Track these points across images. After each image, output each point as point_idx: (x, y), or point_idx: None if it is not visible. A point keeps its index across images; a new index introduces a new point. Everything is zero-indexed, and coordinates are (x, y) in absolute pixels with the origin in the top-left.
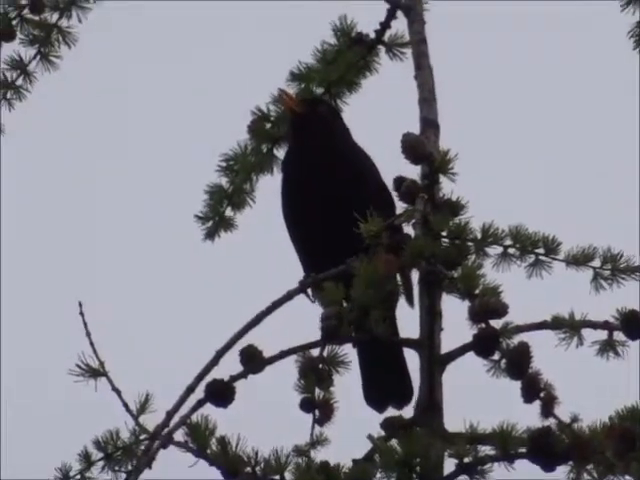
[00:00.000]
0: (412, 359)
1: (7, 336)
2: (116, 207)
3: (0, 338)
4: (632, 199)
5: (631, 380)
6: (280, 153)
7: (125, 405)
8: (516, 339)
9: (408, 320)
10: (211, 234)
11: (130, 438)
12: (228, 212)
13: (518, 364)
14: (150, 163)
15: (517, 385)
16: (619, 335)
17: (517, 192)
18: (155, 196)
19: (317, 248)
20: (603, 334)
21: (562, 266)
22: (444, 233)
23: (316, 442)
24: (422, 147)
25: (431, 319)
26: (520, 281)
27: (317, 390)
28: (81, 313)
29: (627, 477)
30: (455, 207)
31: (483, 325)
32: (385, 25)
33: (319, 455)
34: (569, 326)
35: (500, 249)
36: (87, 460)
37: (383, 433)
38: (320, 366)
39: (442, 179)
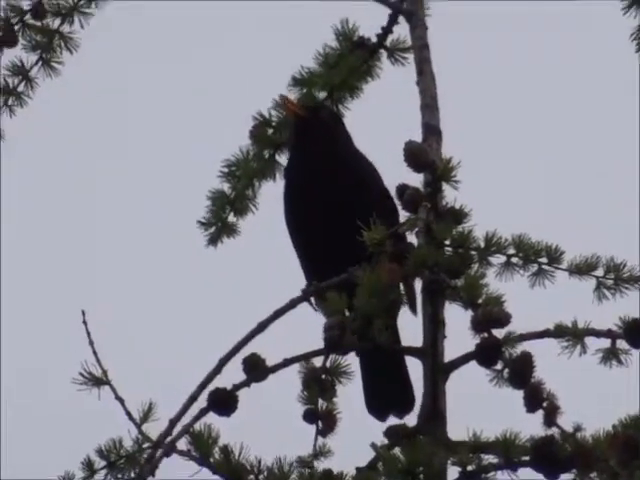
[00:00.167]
0: (415, 367)
1: (9, 338)
2: (118, 213)
3: (0, 340)
4: (635, 204)
5: (634, 388)
6: (282, 159)
7: (128, 414)
8: (519, 348)
9: (411, 328)
10: (214, 240)
11: (133, 446)
12: (231, 218)
13: (521, 374)
14: (152, 168)
15: (520, 394)
16: (622, 343)
17: (520, 199)
18: (158, 203)
19: (320, 255)
20: (606, 342)
21: (565, 275)
22: (447, 242)
23: (319, 453)
24: (424, 155)
25: (434, 327)
26: (523, 290)
27: (320, 401)
28: (84, 322)
29: None
30: (458, 215)
31: (486, 334)
32: (387, 30)
33: (322, 466)
34: (572, 334)
35: (503, 258)
36: (90, 468)
37: (386, 441)
38: (323, 377)
39: (445, 187)
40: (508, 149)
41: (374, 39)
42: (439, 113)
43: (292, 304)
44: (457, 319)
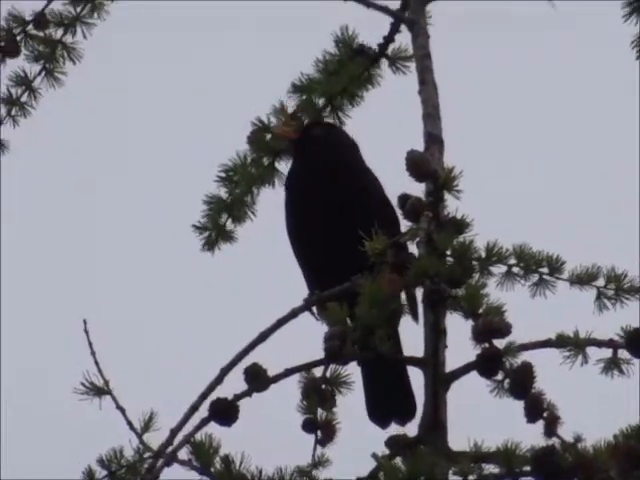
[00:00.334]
0: (416, 377)
1: (11, 340)
2: (120, 219)
3: (0, 341)
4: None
5: (636, 398)
6: (281, 166)
7: (129, 423)
8: (520, 358)
9: (412, 338)
10: (210, 245)
11: (134, 456)
12: (228, 225)
13: (521, 384)
14: (151, 171)
15: (520, 404)
16: (624, 353)
17: (521, 209)
18: (159, 208)
19: (321, 264)
20: (608, 352)
21: (566, 285)
22: (448, 252)
23: (318, 463)
24: (426, 165)
25: (435, 337)
26: (524, 300)
27: (320, 411)
28: (85, 331)
29: None
30: (459, 225)
31: (486, 345)
32: (389, 38)
33: (322, 476)
34: (574, 344)
35: (504, 268)
36: (91, 478)
37: (387, 451)
38: (323, 387)
39: (447, 197)
40: (510, 158)
41: (375, 48)
42: (441, 123)
43: (294, 313)
44: (458, 329)
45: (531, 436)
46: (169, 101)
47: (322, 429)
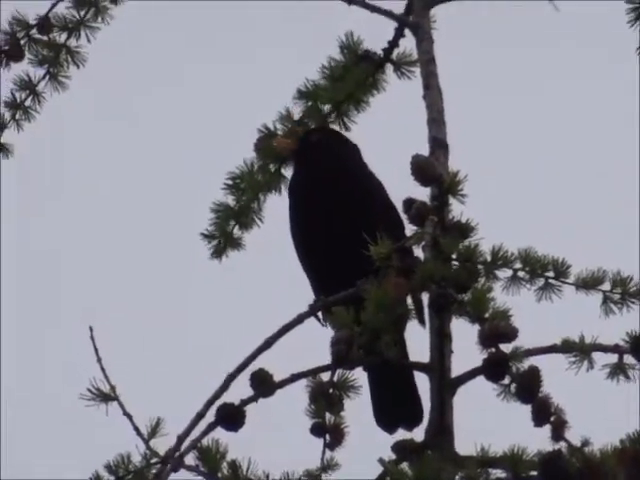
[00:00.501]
0: (423, 382)
1: (16, 346)
2: (125, 226)
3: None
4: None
5: None
6: (288, 172)
7: (136, 429)
8: (526, 363)
9: (418, 342)
10: (218, 253)
11: (141, 462)
12: (236, 231)
13: (528, 388)
14: (157, 179)
15: (527, 408)
16: (629, 358)
17: (527, 213)
18: (165, 217)
19: (326, 270)
20: (613, 357)
21: (572, 289)
22: (454, 256)
23: (327, 467)
24: (432, 169)
25: (441, 342)
26: (530, 304)
27: (328, 415)
28: (92, 338)
29: None
30: (465, 229)
31: (493, 349)
32: (393, 43)
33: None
34: (579, 350)
35: (510, 272)
36: None
37: (394, 456)
38: (330, 391)
39: (452, 201)
40: (515, 162)
41: (380, 53)
42: (446, 127)
43: (299, 319)
44: (464, 334)
45: (538, 441)
46: (174, 111)
47: (331, 433)
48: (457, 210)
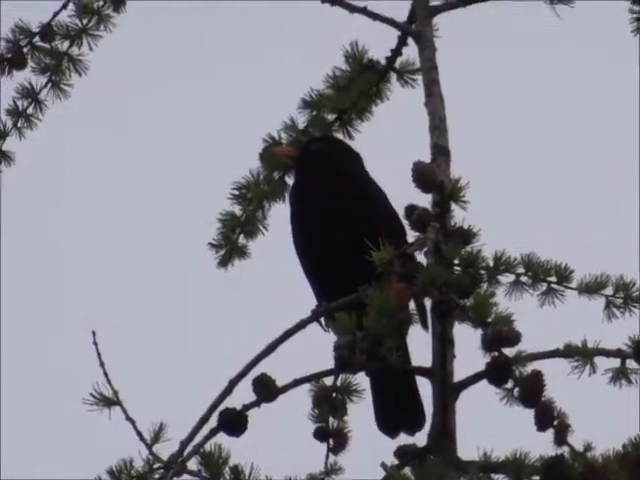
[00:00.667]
0: (425, 386)
1: (19, 350)
2: (128, 232)
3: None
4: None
5: None
6: (291, 181)
7: (139, 434)
8: (529, 367)
9: (421, 347)
10: (224, 262)
11: (144, 467)
12: (241, 240)
13: (531, 392)
14: (162, 188)
15: (530, 413)
16: (631, 363)
17: (528, 218)
18: (168, 224)
19: (328, 276)
20: (616, 362)
21: (574, 294)
22: (456, 261)
23: (330, 471)
24: (433, 176)
25: (443, 347)
26: (532, 309)
27: (331, 419)
28: (94, 342)
29: None
30: (467, 235)
31: (496, 353)
32: (396, 52)
33: None
34: (582, 354)
35: (512, 277)
36: None
37: (396, 461)
38: (334, 395)
39: (454, 207)
40: (516, 168)
41: (383, 61)
42: (447, 134)
43: (302, 324)
44: (465, 339)
45: (540, 445)
46: (179, 121)
47: (334, 437)
48: (459, 216)
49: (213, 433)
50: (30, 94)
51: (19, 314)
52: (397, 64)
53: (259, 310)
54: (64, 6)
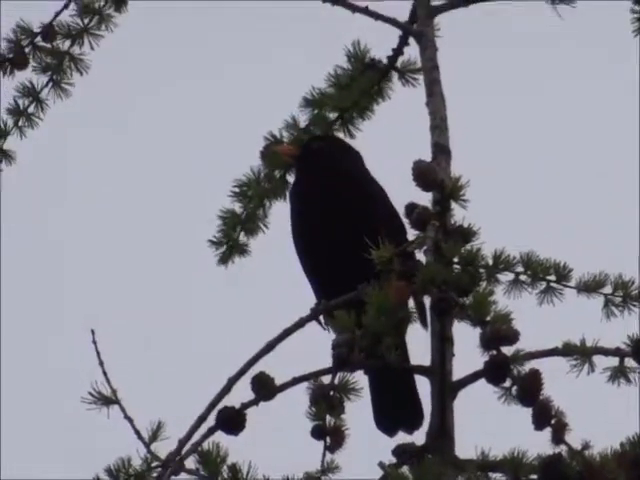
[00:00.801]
0: (424, 385)
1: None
2: (128, 230)
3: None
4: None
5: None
6: (292, 179)
7: (137, 433)
8: (527, 366)
9: (419, 346)
10: (225, 259)
11: (142, 466)
12: (241, 238)
13: (529, 391)
14: (162, 186)
15: (528, 411)
16: (630, 362)
17: (528, 217)
18: (167, 222)
19: (328, 274)
20: (614, 361)
21: (573, 293)
22: (456, 260)
23: (327, 469)
24: (433, 174)
25: (442, 346)
26: (531, 308)
27: (328, 417)
28: (93, 341)
29: None
30: (467, 234)
31: (494, 352)
32: (397, 51)
33: None
34: (580, 353)
35: (512, 276)
36: None
37: (394, 460)
38: (331, 393)
39: (454, 206)
40: (516, 167)
41: (385, 60)
42: (448, 133)
43: (301, 323)
44: (465, 337)
45: (538, 444)
46: (180, 119)
47: (331, 435)
48: (459, 215)
49: (211, 431)
50: (31, 93)
51: (19, 313)
52: (398, 63)
53: (258, 308)
54: (65, 6)
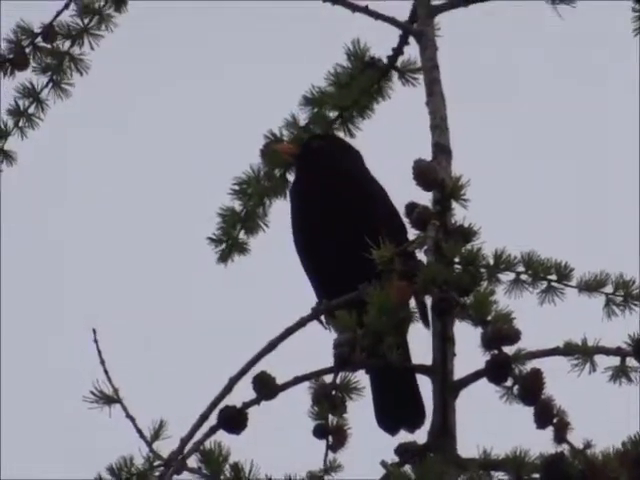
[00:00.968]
0: (426, 384)
1: (19, 347)
2: (129, 229)
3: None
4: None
5: None
6: (292, 178)
7: (139, 432)
8: (529, 365)
9: (421, 345)
10: (224, 257)
11: (144, 464)
12: (241, 236)
13: (531, 390)
14: (162, 184)
15: (530, 410)
16: (631, 361)
17: (529, 216)
18: (168, 220)
19: (329, 273)
20: (616, 360)
21: (574, 292)
22: (457, 259)
23: (329, 468)
24: (433, 173)
25: (443, 345)
26: (532, 307)
27: (330, 417)
28: (95, 340)
29: None
30: (467, 233)
31: (496, 351)
32: (397, 51)
33: None
34: (582, 352)
35: (512, 275)
36: None
37: (396, 459)
38: (333, 393)
39: (454, 205)
40: (517, 166)
41: (385, 60)
42: (448, 133)
43: (302, 322)
44: (466, 337)
45: (540, 443)
46: (179, 116)
47: (333, 435)
48: (460, 214)
49: (213, 431)
50: (31, 94)
51: (20, 312)
52: (399, 63)
53: (259, 307)
54: (66, 6)
